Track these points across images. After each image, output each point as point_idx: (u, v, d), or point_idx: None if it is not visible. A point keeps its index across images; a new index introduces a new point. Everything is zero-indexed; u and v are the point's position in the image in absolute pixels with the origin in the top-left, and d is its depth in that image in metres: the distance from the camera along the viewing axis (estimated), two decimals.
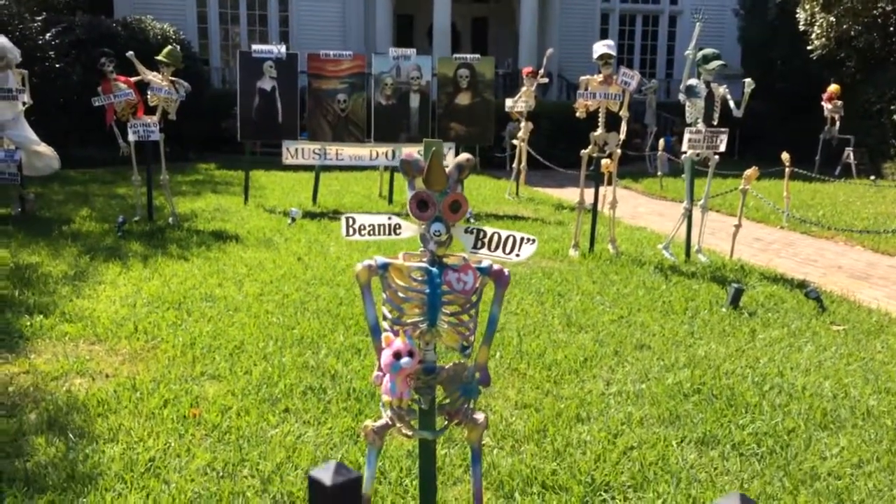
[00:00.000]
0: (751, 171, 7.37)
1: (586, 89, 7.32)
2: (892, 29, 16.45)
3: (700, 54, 6.96)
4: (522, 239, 2.37)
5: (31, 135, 8.45)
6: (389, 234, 2.41)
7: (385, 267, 2.35)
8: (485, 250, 2.40)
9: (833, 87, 15.36)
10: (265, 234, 7.95)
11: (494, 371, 4.09)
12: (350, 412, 3.55)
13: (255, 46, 10.09)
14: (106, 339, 4.52)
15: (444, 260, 2.37)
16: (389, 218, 2.40)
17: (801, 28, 16.48)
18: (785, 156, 9.58)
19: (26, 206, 8.62)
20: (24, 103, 8.30)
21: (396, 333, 2.31)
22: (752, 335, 4.95)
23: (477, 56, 10.51)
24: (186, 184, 12.11)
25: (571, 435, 3.38)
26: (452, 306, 2.36)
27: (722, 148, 7.06)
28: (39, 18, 15.28)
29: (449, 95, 10.39)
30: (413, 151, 2.48)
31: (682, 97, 7.04)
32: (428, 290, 2.31)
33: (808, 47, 16.42)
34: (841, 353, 4.63)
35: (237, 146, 17.88)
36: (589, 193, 7.59)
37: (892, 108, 15.43)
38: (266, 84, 9.94)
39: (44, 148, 8.50)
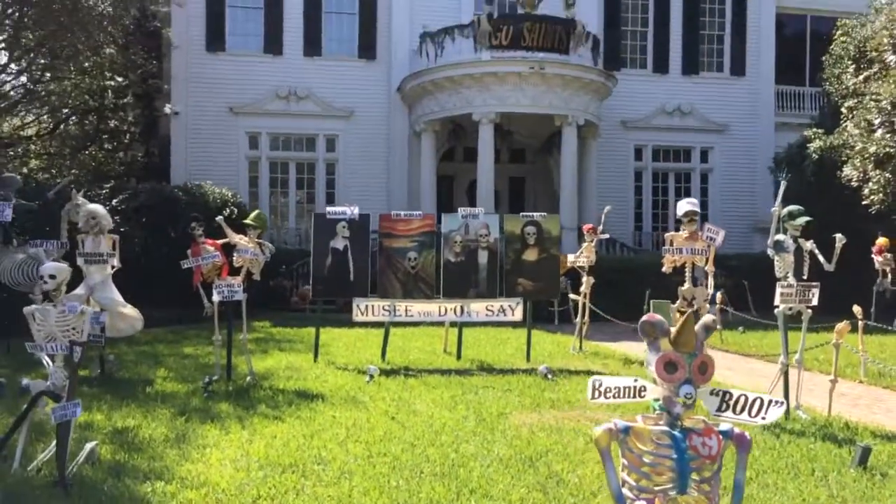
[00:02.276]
0: (843, 325, 7.27)
1: (671, 244, 7.44)
2: None
3: (786, 211, 7.09)
4: (770, 402, 2.31)
5: (118, 296, 8.59)
6: (634, 396, 2.37)
7: (626, 430, 2.29)
8: (729, 413, 2.35)
9: (882, 240, 15.47)
10: (348, 393, 7.85)
11: None
12: None
13: (328, 208, 10.43)
14: None
15: (683, 423, 2.31)
16: (635, 380, 2.37)
17: (854, 184, 16.81)
18: (857, 309, 9.43)
19: (106, 367, 8.65)
20: (112, 267, 8.52)
21: (651, 502, 2.21)
22: None
23: (543, 214, 10.80)
24: (250, 342, 12.12)
25: None
26: (698, 472, 2.28)
27: (814, 301, 7.03)
28: (108, 186, 16.06)
29: (516, 252, 10.58)
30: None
31: (770, 252, 7.11)
32: (675, 456, 2.24)
33: (864, 202, 16.67)
34: None
35: (285, 304, 18.32)
36: None
37: None
38: (339, 243, 10.17)
39: (129, 310, 8.61)
